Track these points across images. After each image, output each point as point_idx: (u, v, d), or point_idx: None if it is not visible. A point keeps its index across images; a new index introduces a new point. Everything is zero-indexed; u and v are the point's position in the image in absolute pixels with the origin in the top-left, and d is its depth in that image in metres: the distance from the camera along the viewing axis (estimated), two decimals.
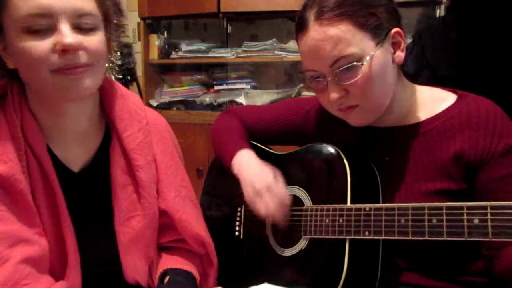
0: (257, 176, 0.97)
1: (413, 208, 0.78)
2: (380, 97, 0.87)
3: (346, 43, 0.81)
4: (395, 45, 0.86)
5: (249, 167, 1.01)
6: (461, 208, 0.73)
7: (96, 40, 0.78)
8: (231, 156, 1.04)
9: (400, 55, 0.87)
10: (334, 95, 0.85)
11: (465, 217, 0.72)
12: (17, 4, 0.72)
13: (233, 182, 1.03)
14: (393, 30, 0.84)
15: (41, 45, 0.73)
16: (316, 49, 0.83)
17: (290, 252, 0.97)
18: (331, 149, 0.94)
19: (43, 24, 0.72)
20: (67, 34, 0.73)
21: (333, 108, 0.90)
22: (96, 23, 0.78)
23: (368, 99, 0.85)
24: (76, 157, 0.87)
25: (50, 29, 0.73)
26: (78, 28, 0.75)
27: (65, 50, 0.73)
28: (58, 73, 0.75)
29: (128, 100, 0.92)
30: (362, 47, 0.81)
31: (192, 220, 0.94)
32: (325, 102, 0.90)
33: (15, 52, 0.75)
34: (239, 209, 1.13)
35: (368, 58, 0.81)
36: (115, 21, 0.86)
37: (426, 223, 0.76)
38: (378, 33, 0.83)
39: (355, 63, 0.81)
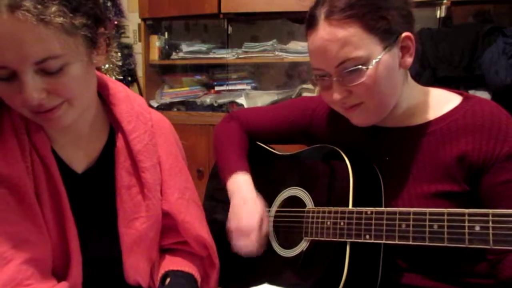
0: (244, 216, 0.98)
1: (415, 213, 0.78)
2: (384, 99, 0.86)
3: (353, 45, 0.80)
4: (404, 50, 0.85)
5: (240, 200, 1.01)
6: (463, 214, 0.72)
7: (66, 79, 0.70)
8: (226, 177, 1.04)
9: (408, 60, 0.85)
10: (336, 96, 0.85)
11: (466, 224, 0.72)
12: None
13: None
14: (403, 35, 0.83)
15: (10, 92, 0.69)
16: (323, 49, 0.83)
17: (291, 253, 0.97)
18: (334, 151, 0.94)
19: (4, 74, 0.67)
20: (28, 90, 0.67)
21: (337, 106, 0.90)
22: (65, 61, 0.69)
23: (372, 99, 0.85)
24: (80, 158, 0.87)
25: (13, 76, 0.67)
26: (43, 71, 0.68)
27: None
28: (35, 114, 0.72)
29: (134, 102, 0.91)
30: (369, 51, 0.80)
31: (195, 222, 0.94)
32: (329, 99, 0.90)
33: None
34: None
35: (374, 62, 0.81)
36: (115, 22, 0.85)
37: (427, 229, 0.76)
38: (387, 37, 0.81)
39: (360, 66, 0.81)
